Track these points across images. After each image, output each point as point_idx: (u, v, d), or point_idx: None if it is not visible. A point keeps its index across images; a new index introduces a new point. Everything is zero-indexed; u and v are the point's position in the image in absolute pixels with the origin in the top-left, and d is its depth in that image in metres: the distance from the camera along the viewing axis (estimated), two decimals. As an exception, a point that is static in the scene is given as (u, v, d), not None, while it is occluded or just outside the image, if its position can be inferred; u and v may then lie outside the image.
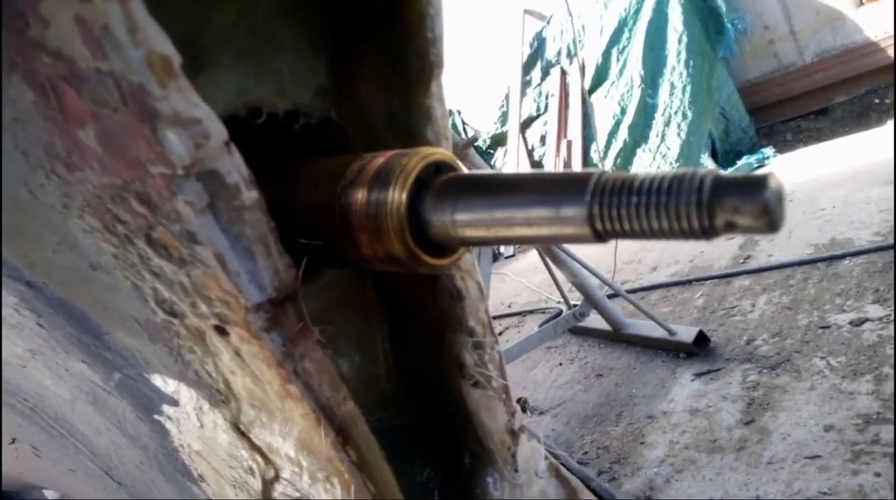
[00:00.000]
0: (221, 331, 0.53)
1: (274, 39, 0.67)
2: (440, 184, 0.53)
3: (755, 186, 0.33)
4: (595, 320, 3.45)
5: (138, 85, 0.39)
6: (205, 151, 0.43)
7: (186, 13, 0.61)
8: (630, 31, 5.66)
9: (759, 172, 0.34)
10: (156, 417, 0.71)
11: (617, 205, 0.40)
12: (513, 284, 5.09)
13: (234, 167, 0.46)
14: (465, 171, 0.56)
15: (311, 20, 0.69)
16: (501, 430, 0.68)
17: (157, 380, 0.65)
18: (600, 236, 0.42)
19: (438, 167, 0.55)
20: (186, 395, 0.64)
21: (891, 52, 5.08)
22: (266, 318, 0.51)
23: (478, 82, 6.65)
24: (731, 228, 0.35)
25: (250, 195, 0.47)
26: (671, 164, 5.44)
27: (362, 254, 0.56)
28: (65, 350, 0.69)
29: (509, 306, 4.74)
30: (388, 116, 0.68)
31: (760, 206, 0.33)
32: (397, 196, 0.53)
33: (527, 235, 0.47)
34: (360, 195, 0.55)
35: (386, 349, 0.75)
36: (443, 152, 0.55)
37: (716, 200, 0.35)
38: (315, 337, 0.54)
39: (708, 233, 0.36)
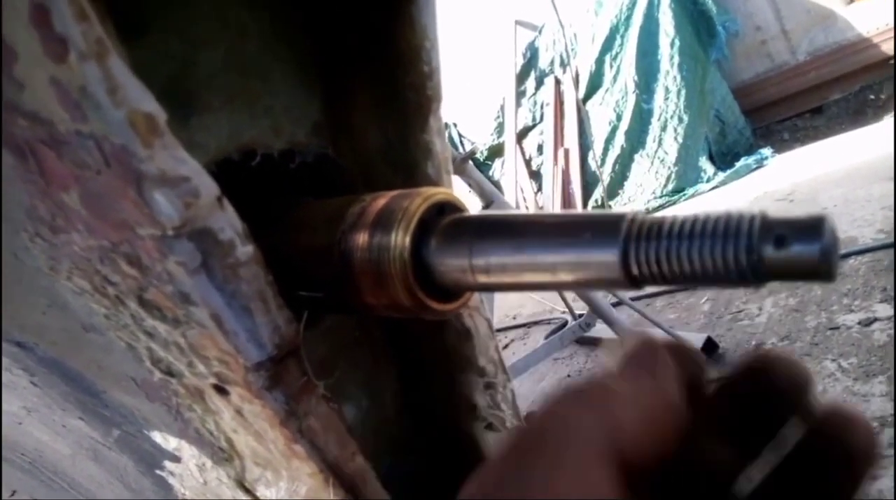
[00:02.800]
0: (221, 390, 0.51)
1: (265, 77, 0.65)
2: (446, 226, 0.51)
3: (811, 231, 0.31)
4: (601, 330, 3.42)
5: (121, 147, 0.37)
6: (195, 209, 0.41)
7: (172, 56, 0.58)
8: (622, 37, 5.66)
9: (814, 213, 0.31)
10: (158, 472, 0.68)
11: (655, 249, 0.37)
12: (516, 295, 5.05)
13: (228, 223, 0.44)
14: (469, 211, 0.53)
15: (302, 55, 0.67)
16: (517, 472, 0.65)
17: (158, 437, 0.62)
18: (636, 282, 0.39)
19: (442, 208, 0.52)
20: (188, 452, 0.61)
21: (884, 47, 5.08)
22: (267, 376, 0.48)
23: (472, 95, 6.65)
24: (782, 275, 0.32)
25: (245, 251, 0.45)
26: (669, 168, 5.42)
27: (365, 301, 0.53)
28: (61, 408, 0.66)
29: (514, 318, 4.70)
30: (386, 150, 0.66)
31: (817, 253, 0.30)
32: (400, 240, 0.50)
33: (552, 282, 0.44)
34: (361, 240, 0.52)
35: (395, 392, 0.72)
36: (445, 192, 0.53)
37: (760, 248, 0.32)
38: (320, 392, 0.51)
39: (758, 280, 0.33)
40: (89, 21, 0.34)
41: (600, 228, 0.41)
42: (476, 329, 0.65)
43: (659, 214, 0.39)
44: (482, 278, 0.47)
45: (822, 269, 0.30)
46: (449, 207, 0.53)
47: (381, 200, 0.54)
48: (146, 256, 0.42)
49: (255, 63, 0.65)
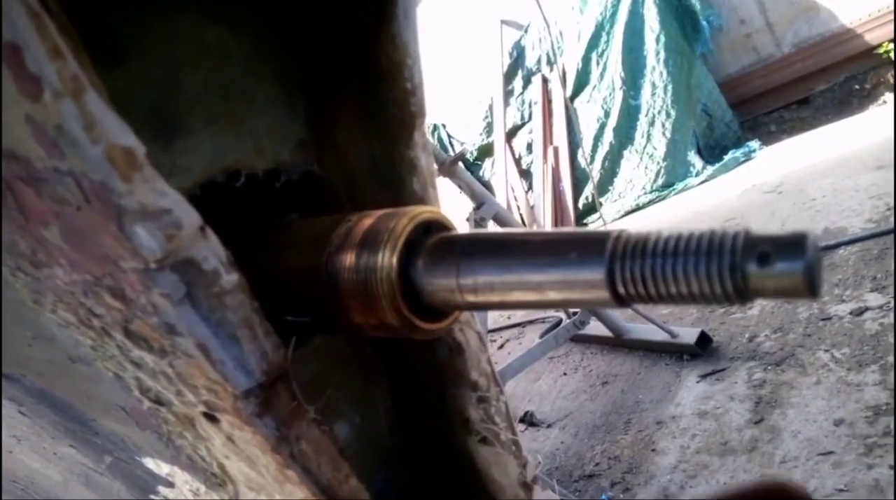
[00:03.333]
0: (211, 418, 0.50)
1: (247, 98, 0.65)
2: (432, 245, 0.50)
3: (794, 248, 0.31)
4: (596, 328, 3.43)
5: (100, 183, 0.36)
6: (178, 241, 0.40)
7: (153, 81, 0.58)
8: (608, 34, 5.68)
9: (794, 230, 0.31)
10: (152, 497, 0.68)
11: (640, 267, 0.37)
12: (510, 295, 5.05)
13: (211, 252, 0.43)
14: (455, 229, 0.53)
15: (284, 74, 0.67)
16: (514, 484, 0.65)
17: (150, 463, 0.62)
18: (622, 301, 0.39)
19: (428, 227, 0.52)
20: (181, 477, 0.61)
21: (867, 37, 5.11)
22: (257, 403, 0.48)
23: (460, 95, 6.65)
24: (766, 293, 0.32)
25: (230, 279, 0.45)
26: (658, 163, 5.44)
27: (353, 322, 0.53)
28: (51, 436, 0.66)
29: (508, 318, 4.71)
30: (371, 167, 0.66)
31: (801, 270, 0.30)
32: (387, 261, 0.50)
33: (540, 301, 0.44)
34: (348, 261, 0.52)
35: (387, 407, 0.72)
36: (431, 211, 0.52)
37: (744, 265, 0.32)
38: (310, 416, 0.51)
39: (743, 298, 0.33)
40: (63, 58, 0.34)
41: (586, 247, 0.41)
42: (467, 343, 0.65)
43: (644, 231, 0.39)
44: (470, 298, 0.47)
45: (805, 285, 0.30)
46: (435, 226, 0.53)
47: (367, 220, 0.54)
48: (130, 288, 0.42)
49: (237, 84, 0.64)
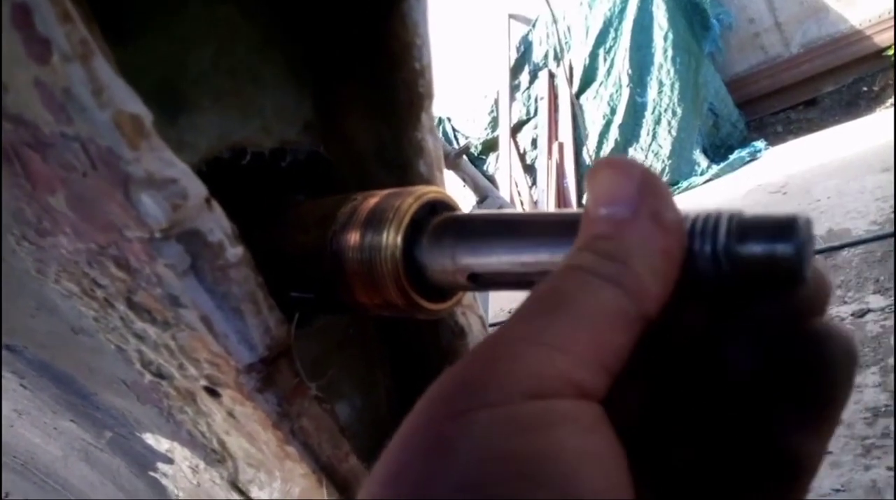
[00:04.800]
0: (212, 392, 0.50)
1: (255, 77, 0.64)
2: (436, 225, 0.50)
3: (784, 230, 0.30)
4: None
5: (107, 149, 0.36)
6: (183, 211, 0.40)
7: (162, 57, 0.58)
8: (616, 30, 5.66)
9: (786, 213, 0.31)
10: (151, 474, 0.68)
11: None
12: (511, 289, 5.05)
13: (217, 224, 0.43)
14: (460, 209, 0.53)
15: (292, 54, 0.66)
16: (512, 470, 0.65)
17: (150, 439, 0.62)
18: None
19: (434, 207, 0.52)
20: (181, 453, 0.61)
21: (876, 39, 5.08)
22: (259, 378, 0.48)
23: (466, 89, 6.63)
24: (752, 278, 0.31)
25: (235, 252, 0.45)
26: (664, 161, 5.43)
27: (357, 301, 0.53)
28: (52, 410, 0.66)
29: (509, 312, 4.71)
30: (378, 148, 0.66)
31: (789, 254, 0.30)
32: (391, 240, 0.50)
33: (529, 280, 0.44)
34: (352, 240, 0.52)
35: (389, 389, 0.72)
36: (437, 190, 0.52)
37: (736, 247, 0.31)
38: (312, 393, 0.51)
39: (726, 282, 0.33)
40: (73, 22, 0.34)
41: (572, 227, 0.40)
42: (470, 327, 0.65)
43: None
44: (465, 278, 0.47)
45: (796, 269, 0.30)
46: (441, 206, 0.52)
47: (373, 199, 0.54)
48: (134, 258, 0.42)
49: (246, 63, 0.64)
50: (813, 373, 0.29)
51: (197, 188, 0.41)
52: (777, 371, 0.30)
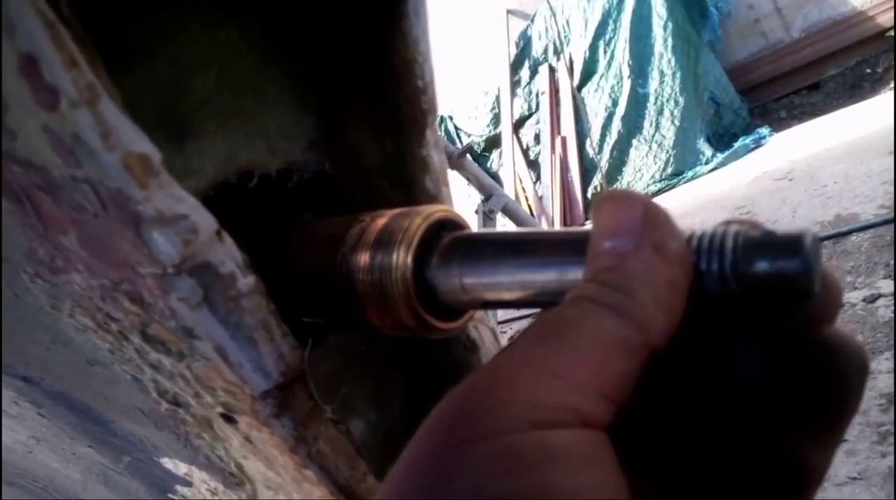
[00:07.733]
0: (229, 419, 0.51)
1: (258, 97, 0.65)
2: (445, 245, 0.50)
3: (790, 247, 0.30)
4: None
5: (117, 190, 0.37)
6: (194, 246, 0.41)
7: (164, 83, 0.58)
8: (615, 22, 5.63)
9: (794, 230, 0.30)
10: (170, 496, 0.68)
11: None
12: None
13: (228, 255, 0.43)
14: (468, 228, 0.53)
15: (295, 73, 0.67)
16: (529, 480, 0.65)
17: (168, 463, 0.62)
18: None
19: (442, 226, 0.52)
20: (199, 476, 0.62)
21: (879, 20, 5.04)
22: (274, 404, 0.48)
23: (467, 86, 6.62)
24: (761, 295, 0.31)
25: (247, 282, 0.45)
26: (668, 151, 5.41)
27: (370, 323, 0.53)
28: (69, 437, 0.66)
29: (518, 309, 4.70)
30: (383, 165, 0.66)
31: (797, 271, 0.30)
32: (402, 261, 0.50)
33: (541, 300, 0.44)
34: (363, 262, 0.52)
35: (402, 403, 0.72)
36: (445, 209, 0.52)
37: (744, 266, 0.31)
38: (327, 416, 0.51)
39: (734, 299, 0.33)
40: (79, 67, 0.34)
41: (577, 247, 0.40)
42: (482, 340, 0.65)
43: None
44: (472, 296, 0.47)
45: (802, 286, 0.30)
46: (449, 225, 0.52)
47: (381, 219, 0.54)
48: (148, 293, 0.42)
49: (248, 84, 0.64)
50: (823, 382, 0.29)
51: (207, 222, 0.41)
52: (786, 380, 0.30)
